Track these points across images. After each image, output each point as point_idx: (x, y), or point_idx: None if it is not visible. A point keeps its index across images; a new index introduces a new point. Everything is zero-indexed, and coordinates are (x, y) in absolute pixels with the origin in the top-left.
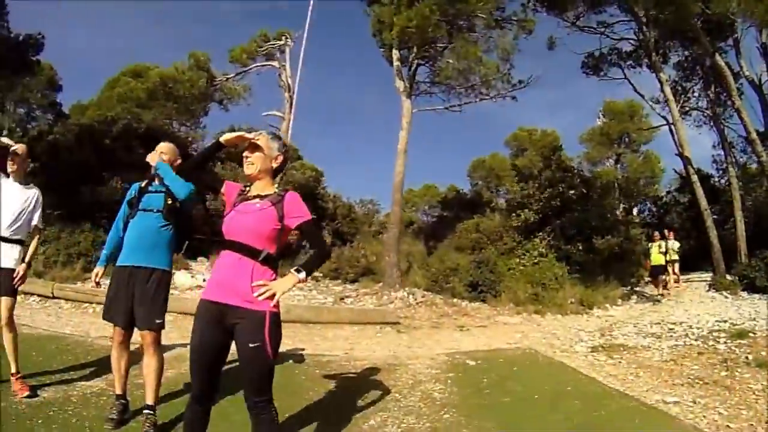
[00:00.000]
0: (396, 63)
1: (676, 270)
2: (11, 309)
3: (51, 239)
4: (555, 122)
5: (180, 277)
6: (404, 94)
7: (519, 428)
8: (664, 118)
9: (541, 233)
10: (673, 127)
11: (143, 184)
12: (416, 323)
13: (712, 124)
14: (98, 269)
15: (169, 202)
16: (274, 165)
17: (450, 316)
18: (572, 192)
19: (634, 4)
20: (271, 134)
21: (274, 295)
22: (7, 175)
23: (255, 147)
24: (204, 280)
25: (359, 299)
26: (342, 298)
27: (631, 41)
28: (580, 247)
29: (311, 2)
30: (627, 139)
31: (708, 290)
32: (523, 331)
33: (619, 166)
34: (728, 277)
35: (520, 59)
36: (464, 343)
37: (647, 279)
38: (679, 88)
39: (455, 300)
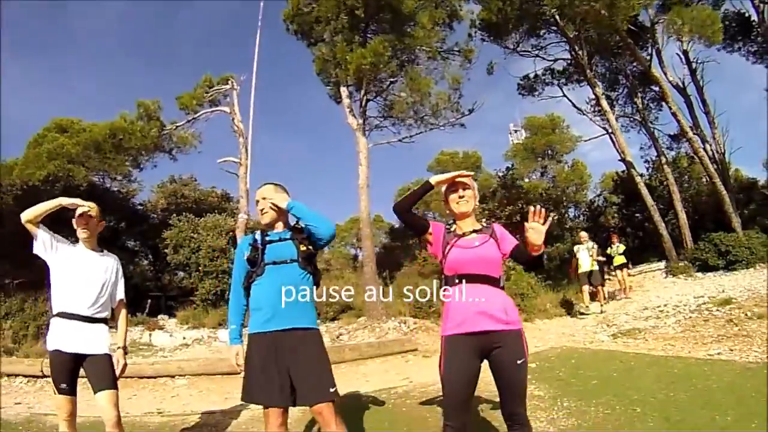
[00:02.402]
0: (346, 100)
1: (625, 275)
2: (118, 405)
3: (15, 311)
4: (465, 142)
5: (160, 338)
6: (359, 130)
7: (630, 398)
8: (602, 128)
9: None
10: (612, 135)
11: (257, 237)
12: (432, 347)
13: (640, 128)
14: (237, 348)
15: (303, 248)
16: (476, 203)
17: (433, 344)
18: (531, 207)
19: (566, 27)
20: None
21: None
22: (76, 241)
23: (466, 186)
24: (184, 338)
25: (354, 335)
26: (338, 336)
27: (565, 60)
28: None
29: (256, 45)
30: (550, 152)
31: (666, 276)
32: (534, 336)
33: (545, 177)
34: (681, 262)
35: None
36: None
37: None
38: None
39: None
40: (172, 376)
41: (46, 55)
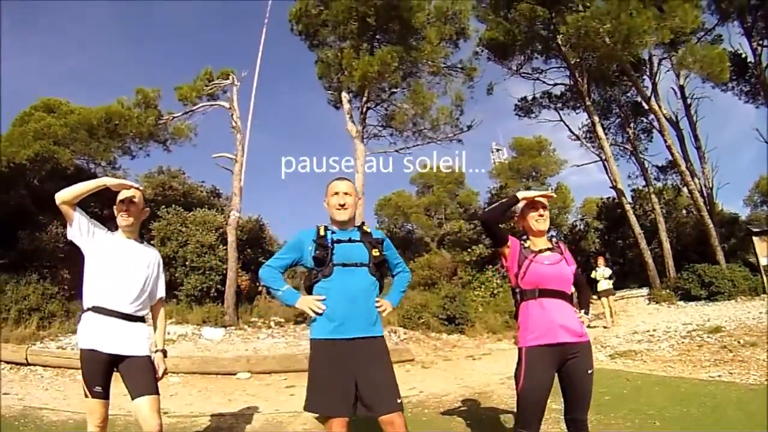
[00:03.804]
0: (347, 106)
1: (611, 303)
2: (160, 411)
3: None
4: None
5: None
6: (357, 137)
7: (646, 413)
8: (597, 155)
9: (490, 266)
10: (605, 162)
11: (321, 232)
12: (426, 359)
13: (629, 157)
14: (311, 297)
15: (376, 253)
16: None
17: (442, 349)
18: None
19: (568, 54)
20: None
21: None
22: (115, 230)
23: (545, 205)
24: (169, 333)
25: None
26: None
27: (564, 86)
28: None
29: (261, 42)
30: (535, 173)
31: (648, 303)
32: None
33: None
34: (663, 290)
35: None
36: (496, 369)
37: None
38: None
39: (434, 334)
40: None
41: (43, 34)
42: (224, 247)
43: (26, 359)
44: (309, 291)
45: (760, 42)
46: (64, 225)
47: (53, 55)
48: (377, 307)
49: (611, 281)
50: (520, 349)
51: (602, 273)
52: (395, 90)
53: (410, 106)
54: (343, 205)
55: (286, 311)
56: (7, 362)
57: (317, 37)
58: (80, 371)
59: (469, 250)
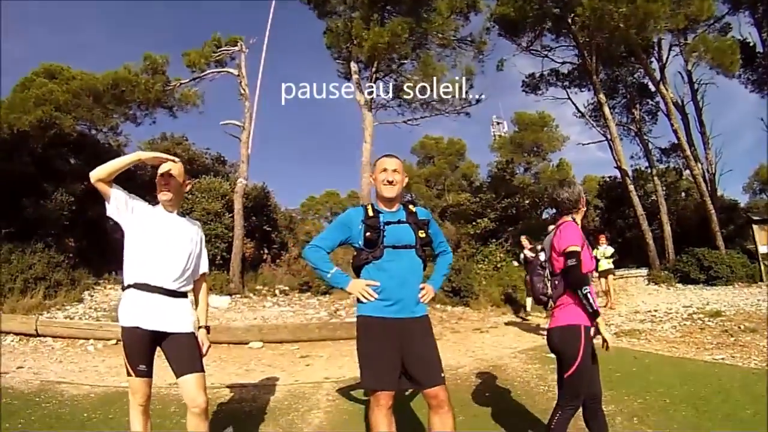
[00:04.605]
0: (355, 76)
1: (610, 283)
2: (206, 389)
3: (1, 262)
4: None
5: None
6: (366, 107)
7: (656, 390)
8: (602, 134)
9: (495, 240)
10: (611, 142)
11: (371, 212)
12: (435, 330)
13: (633, 138)
14: (357, 281)
15: (422, 234)
16: None
17: (448, 321)
18: (527, 201)
19: (579, 33)
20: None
21: None
22: (156, 204)
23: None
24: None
25: (351, 312)
26: (335, 311)
27: (572, 64)
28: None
29: (272, 8)
30: (536, 149)
31: (648, 284)
32: (535, 329)
33: (528, 173)
34: (662, 272)
35: None
36: (506, 343)
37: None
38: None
39: (439, 306)
40: None
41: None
42: (230, 215)
43: (36, 330)
44: (357, 271)
45: None
46: (69, 192)
47: (57, 21)
48: (421, 293)
49: (612, 260)
50: (577, 326)
51: (603, 251)
52: (404, 61)
53: (419, 77)
54: (392, 181)
55: (291, 279)
56: (16, 333)
57: (326, 6)
58: (122, 349)
59: (474, 223)
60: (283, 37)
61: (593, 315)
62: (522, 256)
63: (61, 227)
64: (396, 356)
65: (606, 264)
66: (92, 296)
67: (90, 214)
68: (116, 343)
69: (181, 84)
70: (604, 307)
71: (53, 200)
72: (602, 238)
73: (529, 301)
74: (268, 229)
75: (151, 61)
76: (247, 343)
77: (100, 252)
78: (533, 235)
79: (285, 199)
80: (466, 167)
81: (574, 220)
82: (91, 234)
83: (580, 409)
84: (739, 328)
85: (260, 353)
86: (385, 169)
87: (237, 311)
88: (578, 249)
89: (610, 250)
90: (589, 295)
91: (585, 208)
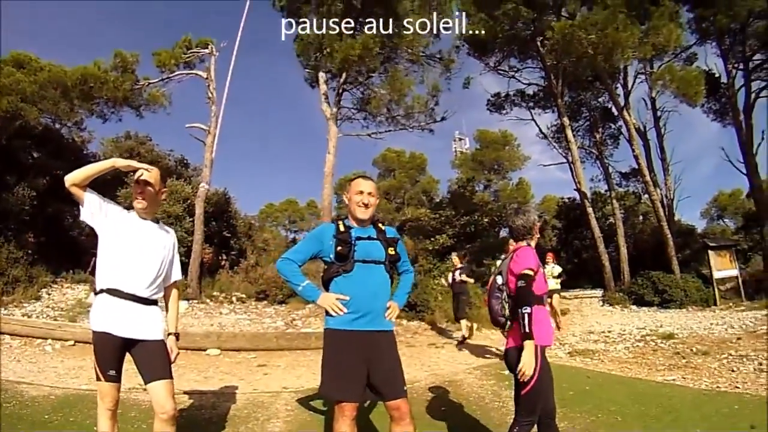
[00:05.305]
0: (323, 86)
1: (555, 303)
2: (174, 396)
3: None
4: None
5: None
6: (331, 119)
7: (608, 409)
8: (564, 156)
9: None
10: (572, 165)
11: (342, 228)
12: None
13: (594, 160)
14: (328, 295)
15: (391, 252)
16: None
17: (404, 335)
18: (486, 220)
19: (546, 56)
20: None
21: None
22: (129, 208)
23: None
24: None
25: (307, 322)
26: (291, 321)
27: (537, 86)
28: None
29: (245, 12)
30: (497, 167)
31: (603, 305)
32: (491, 346)
33: (488, 191)
34: (617, 293)
35: None
36: (461, 359)
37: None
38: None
39: (395, 320)
40: None
41: None
42: (190, 219)
43: None
44: (326, 284)
45: (736, 65)
46: (32, 187)
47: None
48: (387, 311)
49: (559, 280)
50: (538, 348)
51: (550, 271)
52: (372, 74)
53: (387, 91)
54: (367, 204)
55: (247, 287)
56: None
57: (299, 14)
58: (92, 353)
59: (432, 239)
60: (254, 42)
61: (524, 336)
62: (450, 276)
63: (21, 222)
64: (362, 368)
65: (553, 283)
66: (50, 294)
67: (50, 210)
68: (74, 345)
69: (149, 84)
70: (556, 329)
71: (15, 194)
72: (550, 257)
73: (463, 323)
74: (227, 235)
75: (122, 58)
76: (205, 350)
77: (60, 249)
78: (490, 253)
79: (244, 205)
80: (427, 182)
81: (528, 245)
82: (51, 230)
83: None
84: (692, 350)
85: (218, 360)
86: (361, 192)
87: (194, 317)
88: (531, 272)
89: (558, 270)
90: (527, 315)
91: (538, 235)
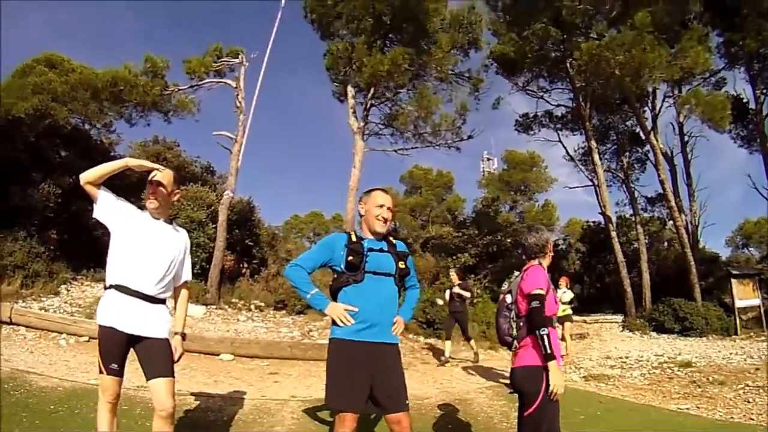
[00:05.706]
0: (351, 101)
1: (565, 330)
2: (174, 394)
3: None
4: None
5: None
6: (358, 133)
7: None
8: (590, 179)
9: (473, 275)
10: (598, 188)
11: (354, 238)
12: (403, 360)
13: (621, 185)
14: (341, 306)
15: (402, 265)
16: None
17: (419, 351)
18: (509, 240)
19: (575, 77)
20: None
21: None
22: (143, 208)
23: None
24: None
25: (324, 333)
26: (308, 332)
27: (565, 108)
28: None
29: (276, 22)
30: (524, 188)
31: (622, 330)
32: (505, 369)
33: (513, 212)
34: (638, 319)
35: None
36: (474, 378)
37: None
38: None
39: (411, 336)
40: None
41: None
42: (213, 225)
43: (10, 318)
44: (335, 293)
45: (764, 90)
46: (57, 185)
47: (61, 9)
48: (393, 326)
49: (570, 306)
50: (539, 367)
51: (560, 296)
52: (401, 90)
53: (414, 108)
54: (386, 219)
55: (267, 296)
56: None
57: (330, 28)
58: (97, 346)
59: (454, 257)
60: (285, 54)
61: (546, 357)
62: (447, 293)
63: (45, 218)
64: (366, 380)
65: (566, 310)
66: (69, 291)
67: (74, 209)
68: (88, 341)
69: (179, 90)
70: (564, 356)
71: (40, 190)
72: (563, 281)
73: (447, 344)
74: (250, 243)
75: (152, 63)
76: (218, 355)
77: (81, 247)
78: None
79: (269, 215)
80: (453, 200)
81: (540, 264)
82: (74, 228)
83: None
84: (708, 379)
85: (230, 366)
86: (381, 205)
87: (211, 322)
88: (542, 292)
89: (569, 296)
90: (546, 337)
91: (552, 254)
